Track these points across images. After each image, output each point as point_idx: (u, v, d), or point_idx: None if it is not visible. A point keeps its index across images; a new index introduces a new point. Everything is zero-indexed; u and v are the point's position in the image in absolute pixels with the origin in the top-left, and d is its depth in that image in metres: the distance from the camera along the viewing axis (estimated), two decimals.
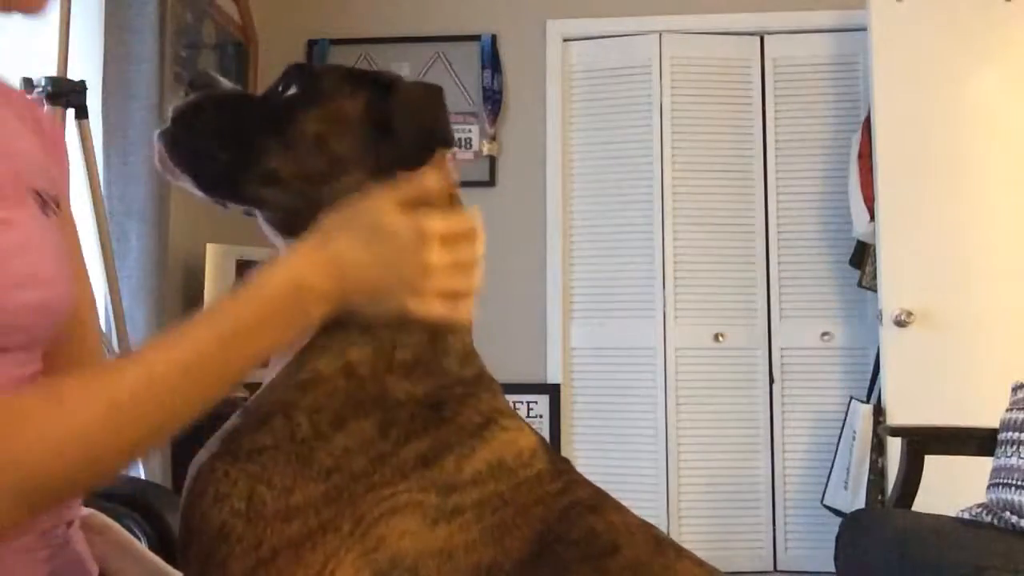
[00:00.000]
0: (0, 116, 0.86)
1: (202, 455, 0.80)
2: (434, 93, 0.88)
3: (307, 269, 0.78)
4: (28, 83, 2.08)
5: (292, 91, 0.88)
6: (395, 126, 0.84)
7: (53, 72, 2.09)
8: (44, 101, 2.06)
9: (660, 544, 0.81)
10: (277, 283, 0.77)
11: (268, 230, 0.89)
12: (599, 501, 0.83)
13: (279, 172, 0.84)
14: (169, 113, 0.88)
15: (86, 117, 2.15)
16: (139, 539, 1.15)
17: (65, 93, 2.09)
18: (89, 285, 1.03)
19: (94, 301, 1.06)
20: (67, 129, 2.10)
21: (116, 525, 1.01)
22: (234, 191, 0.87)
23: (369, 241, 0.79)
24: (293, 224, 0.86)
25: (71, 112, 2.11)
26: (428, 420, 0.80)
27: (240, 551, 0.72)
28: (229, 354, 0.74)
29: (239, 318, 0.75)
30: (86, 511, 0.98)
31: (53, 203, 0.88)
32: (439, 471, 0.77)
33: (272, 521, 0.73)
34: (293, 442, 0.76)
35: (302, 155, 0.84)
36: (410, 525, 0.75)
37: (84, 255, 1.02)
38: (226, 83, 0.91)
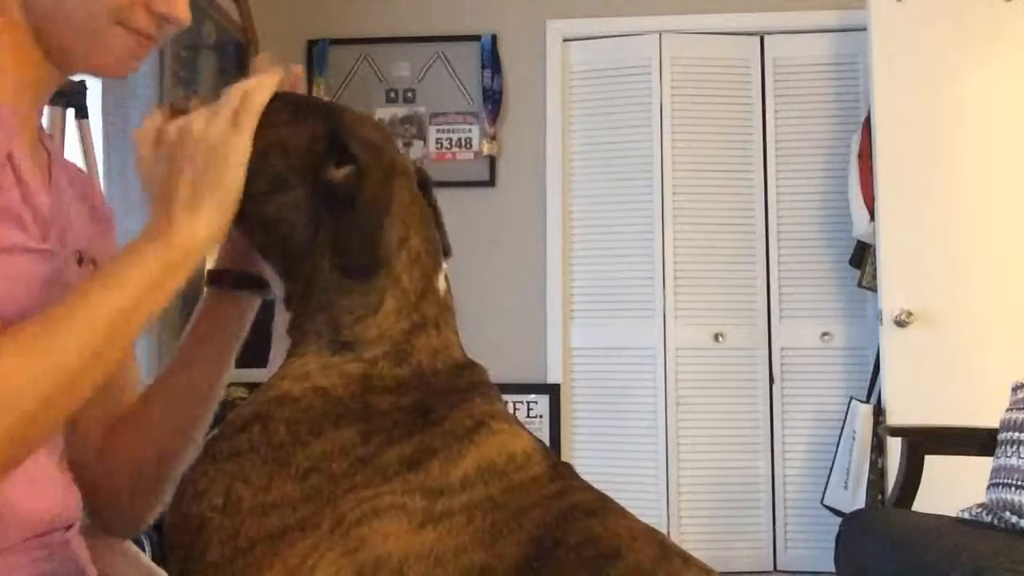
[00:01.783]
0: (60, 179, 0.92)
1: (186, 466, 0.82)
2: (389, 203, 0.86)
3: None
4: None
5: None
6: (342, 239, 0.83)
7: None
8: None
9: (665, 550, 0.79)
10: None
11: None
12: (600, 505, 0.81)
13: None
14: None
15: (86, 117, 2.15)
16: (141, 542, 1.15)
17: (65, 93, 2.08)
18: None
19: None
20: (67, 129, 2.10)
21: (128, 542, 1.01)
22: None
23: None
24: (255, 240, 0.89)
25: (71, 112, 2.11)
26: (413, 425, 0.79)
27: (217, 541, 0.73)
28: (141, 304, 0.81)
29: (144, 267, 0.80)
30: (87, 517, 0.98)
31: (90, 262, 0.94)
32: (424, 475, 0.77)
33: (249, 515, 0.74)
34: (270, 446, 0.77)
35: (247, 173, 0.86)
36: (394, 527, 0.74)
37: None
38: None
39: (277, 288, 0.89)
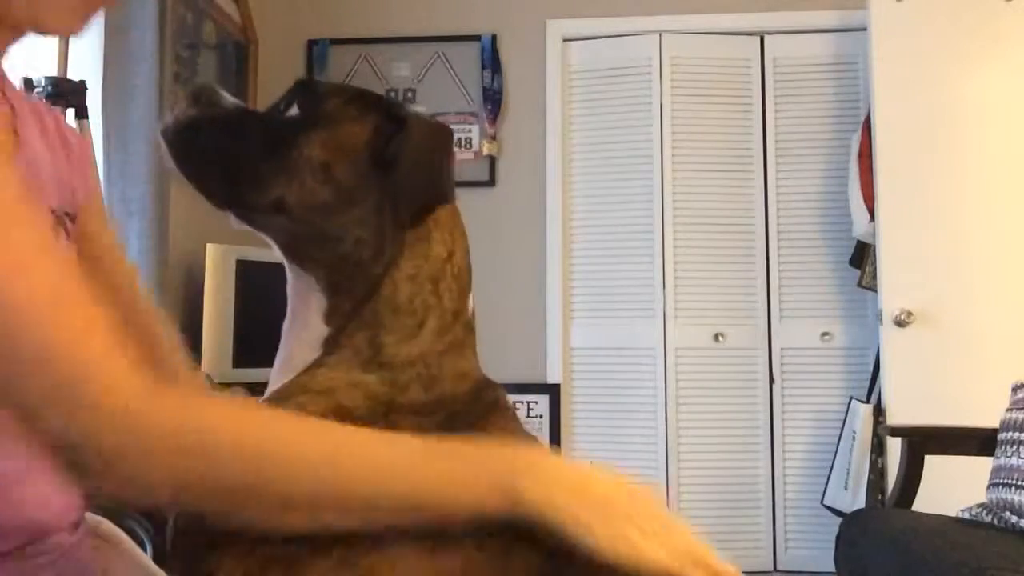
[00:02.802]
0: (29, 136, 0.88)
1: None
2: (442, 143, 0.84)
3: (546, 476, 0.72)
4: (28, 83, 2.08)
5: (294, 110, 0.84)
6: (398, 176, 0.80)
7: (53, 72, 2.10)
8: (44, 101, 2.06)
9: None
10: (500, 455, 0.73)
11: (276, 250, 0.87)
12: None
13: (286, 201, 0.81)
14: (165, 126, 0.85)
15: (86, 117, 2.15)
16: (144, 542, 1.15)
17: (65, 93, 2.09)
18: (136, 287, 1.03)
19: (144, 299, 1.04)
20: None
21: (125, 536, 1.01)
22: (240, 215, 0.85)
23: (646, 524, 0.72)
24: (301, 252, 0.84)
25: (71, 112, 2.11)
26: None
27: (230, 557, 0.72)
28: (395, 471, 0.70)
29: (432, 452, 0.71)
30: (95, 518, 0.97)
31: (69, 220, 0.90)
32: None
33: (262, 539, 0.72)
34: None
35: (308, 184, 0.80)
36: (405, 552, 0.73)
37: (123, 259, 1.03)
38: (228, 98, 0.86)
39: (313, 301, 0.84)
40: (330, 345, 0.82)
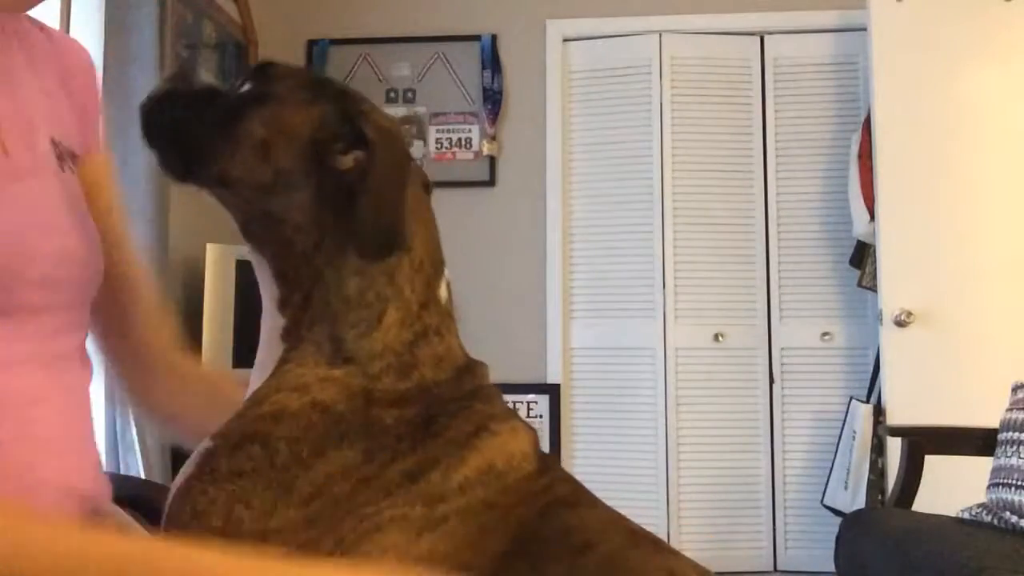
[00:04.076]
0: (7, 65, 0.85)
1: (179, 478, 0.79)
2: (405, 178, 0.82)
3: None
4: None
5: (247, 87, 0.85)
6: (359, 210, 0.79)
7: None
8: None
9: (635, 538, 0.79)
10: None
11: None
12: (577, 498, 0.82)
13: (227, 174, 0.82)
14: (143, 100, 0.87)
15: None
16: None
17: None
18: (128, 243, 1.03)
19: (139, 262, 1.05)
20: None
21: (137, 525, 1.01)
22: (196, 184, 0.86)
23: None
24: (250, 231, 0.85)
25: None
26: (416, 438, 0.78)
27: None
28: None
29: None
30: (108, 506, 0.97)
31: (69, 157, 0.88)
32: (425, 484, 0.76)
33: (248, 539, 0.72)
34: (273, 468, 0.75)
35: (247, 160, 0.81)
36: (394, 539, 0.74)
37: (121, 211, 1.03)
38: (203, 80, 0.89)
39: (269, 289, 0.85)
40: (291, 339, 0.82)
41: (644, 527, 0.82)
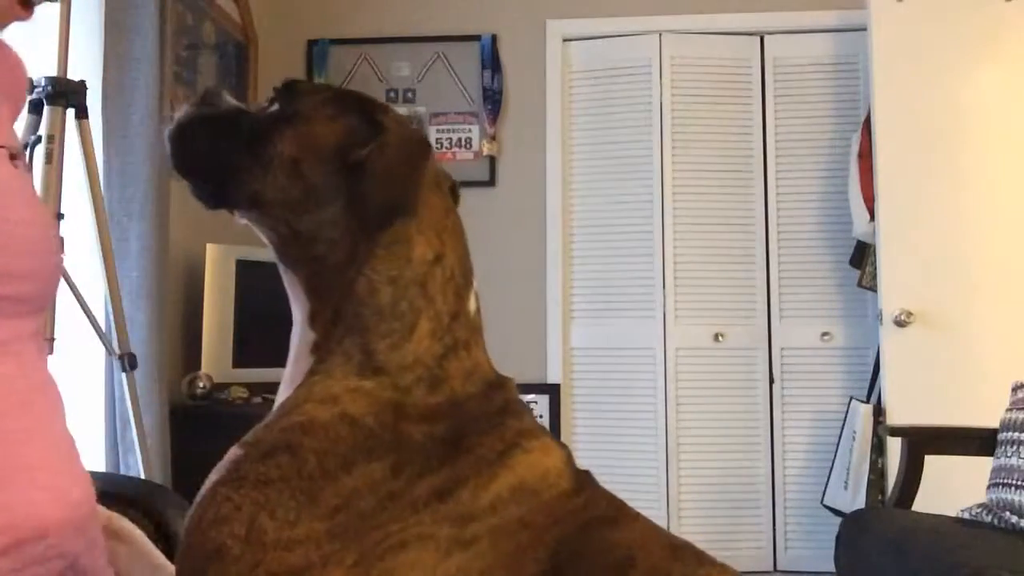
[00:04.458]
0: None
1: (206, 484, 0.79)
2: (416, 155, 0.84)
3: None
4: (28, 83, 2.08)
5: (274, 108, 0.86)
6: (366, 183, 0.80)
7: (53, 72, 2.09)
8: (44, 101, 2.06)
9: (677, 551, 0.79)
10: None
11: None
12: (617, 514, 0.81)
13: (260, 196, 0.83)
14: (169, 127, 0.87)
15: (86, 117, 2.15)
16: None
17: (65, 93, 2.08)
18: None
19: None
20: (67, 129, 2.10)
21: (141, 534, 1.00)
22: (229, 208, 0.86)
23: None
24: (283, 251, 0.85)
25: (71, 112, 2.11)
26: (445, 456, 0.77)
27: (235, 571, 0.72)
28: None
29: None
30: (107, 514, 0.96)
31: (19, 155, 0.90)
32: (454, 503, 0.75)
33: (271, 548, 0.72)
34: (300, 478, 0.75)
35: (279, 180, 0.82)
36: (420, 557, 0.73)
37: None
38: (230, 100, 0.89)
39: (301, 304, 0.85)
40: (321, 352, 0.82)
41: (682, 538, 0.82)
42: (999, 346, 3.13)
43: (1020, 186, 3.23)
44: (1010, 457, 2.34)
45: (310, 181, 0.82)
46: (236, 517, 0.74)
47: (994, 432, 2.47)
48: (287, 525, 0.73)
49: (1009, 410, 2.46)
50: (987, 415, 2.56)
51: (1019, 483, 2.25)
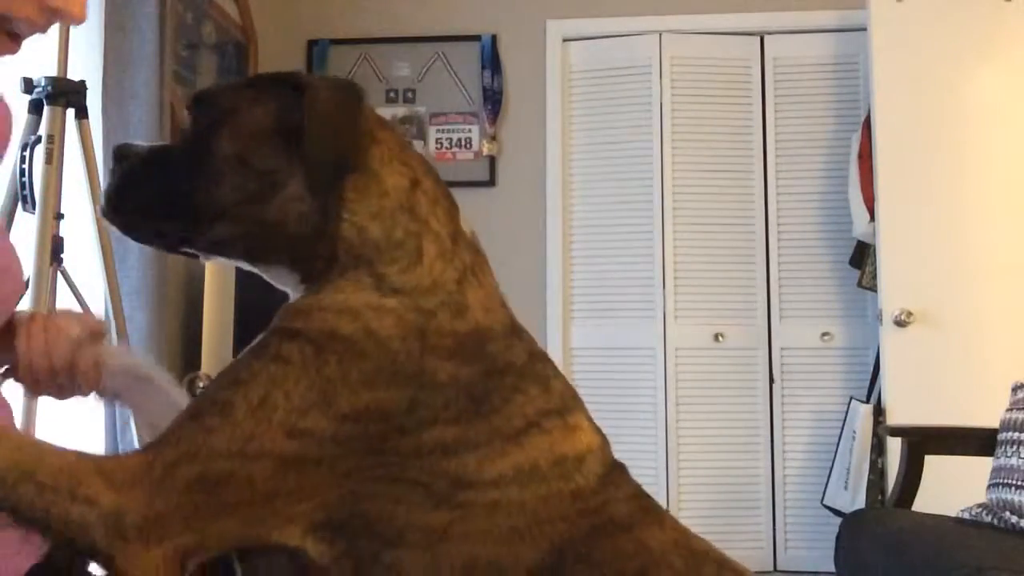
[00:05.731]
0: None
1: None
2: (346, 99, 0.82)
3: None
4: (28, 83, 2.08)
5: (194, 123, 0.85)
6: (304, 143, 0.79)
7: (53, 72, 2.09)
8: (44, 101, 2.06)
9: (698, 558, 0.77)
10: None
11: (246, 265, 0.88)
12: (638, 518, 0.79)
13: (221, 204, 0.82)
14: (101, 206, 0.87)
15: (86, 117, 2.15)
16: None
17: (65, 93, 2.08)
18: None
19: None
20: (67, 129, 2.10)
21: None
22: (192, 244, 0.85)
23: None
24: (259, 252, 0.84)
25: (71, 112, 2.11)
26: (463, 411, 0.76)
27: (230, 432, 0.71)
28: None
29: None
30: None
31: None
32: (457, 465, 0.75)
33: (275, 428, 0.72)
34: (319, 375, 0.74)
35: (233, 180, 0.81)
36: (408, 497, 0.73)
37: None
38: (142, 145, 0.87)
39: (288, 279, 0.85)
40: (319, 283, 0.82)
41: (709, 542, 0.80)
42: (999, 346, 3.13)
43: (1020, 186, 3.23)
44: (1010, 457, 2.34)
45: (261, 168, 0.81)
46: (252, 384, 0.73)
47: (994, 432, 2.47)
48: (297, 412, 0.72)
49: (1009, 410, 2.46)
50: (987, 415, 2.56)
51: (1019, 483, 2.25)
